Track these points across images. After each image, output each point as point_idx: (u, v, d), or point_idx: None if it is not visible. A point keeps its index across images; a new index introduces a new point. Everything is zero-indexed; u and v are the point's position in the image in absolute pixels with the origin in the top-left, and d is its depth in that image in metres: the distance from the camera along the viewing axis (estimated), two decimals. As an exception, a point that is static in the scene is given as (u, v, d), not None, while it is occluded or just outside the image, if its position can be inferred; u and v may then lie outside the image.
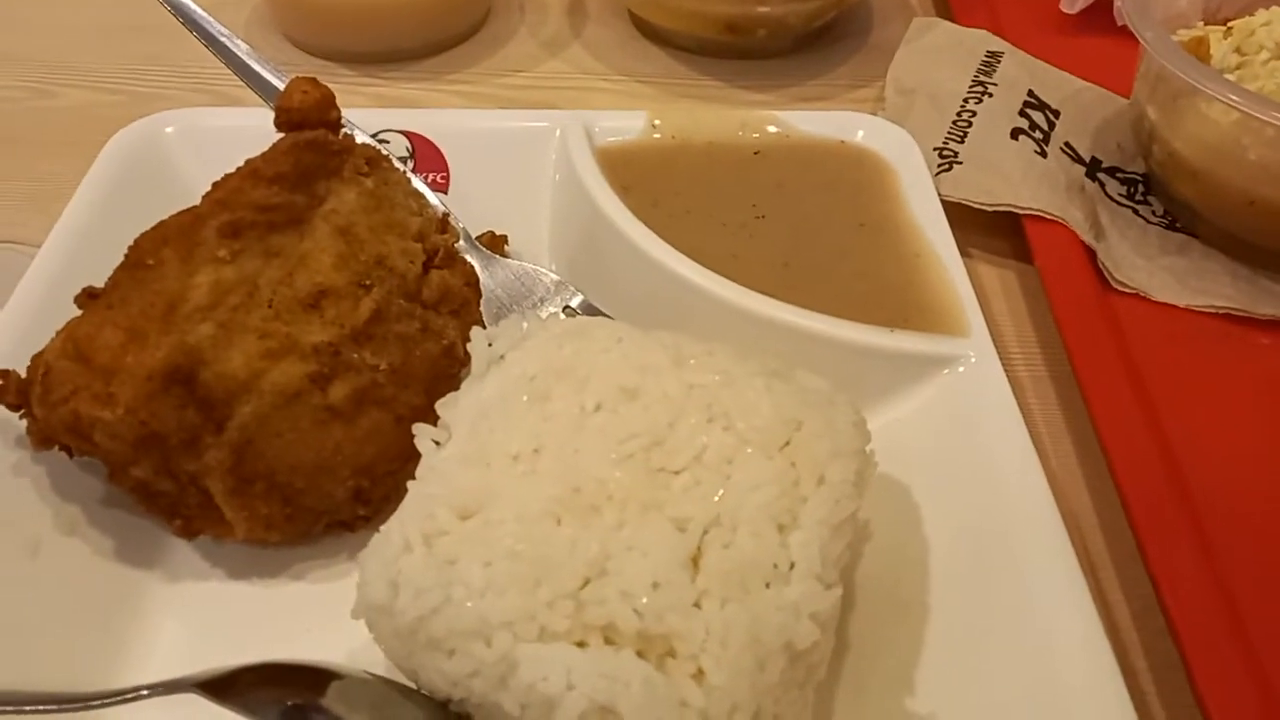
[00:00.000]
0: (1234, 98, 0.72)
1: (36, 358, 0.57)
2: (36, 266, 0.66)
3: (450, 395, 0.56)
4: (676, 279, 0.68)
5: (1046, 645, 0.52)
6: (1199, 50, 0.85)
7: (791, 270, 0.70)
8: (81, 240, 0.69)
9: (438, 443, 0.54)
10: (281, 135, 0.64)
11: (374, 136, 0.80)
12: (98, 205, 0.71)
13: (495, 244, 0.76)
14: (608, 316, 0.70)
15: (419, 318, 0.62)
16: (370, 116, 0.82)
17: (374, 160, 0.66)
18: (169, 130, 0.78)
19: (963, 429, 0.60)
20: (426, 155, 0.81)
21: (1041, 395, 0.73)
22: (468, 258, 0.70)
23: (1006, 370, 0.64)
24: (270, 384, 0.56)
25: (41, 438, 0.57)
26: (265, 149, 0.63)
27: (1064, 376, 0.74)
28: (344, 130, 0.67)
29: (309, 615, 0.57)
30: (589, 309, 0.72)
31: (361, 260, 0.60)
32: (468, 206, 0.77)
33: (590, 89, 1.02)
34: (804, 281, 0.67)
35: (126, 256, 0.60)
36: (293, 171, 0.61)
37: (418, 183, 0.74)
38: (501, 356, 0.56)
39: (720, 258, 0.69)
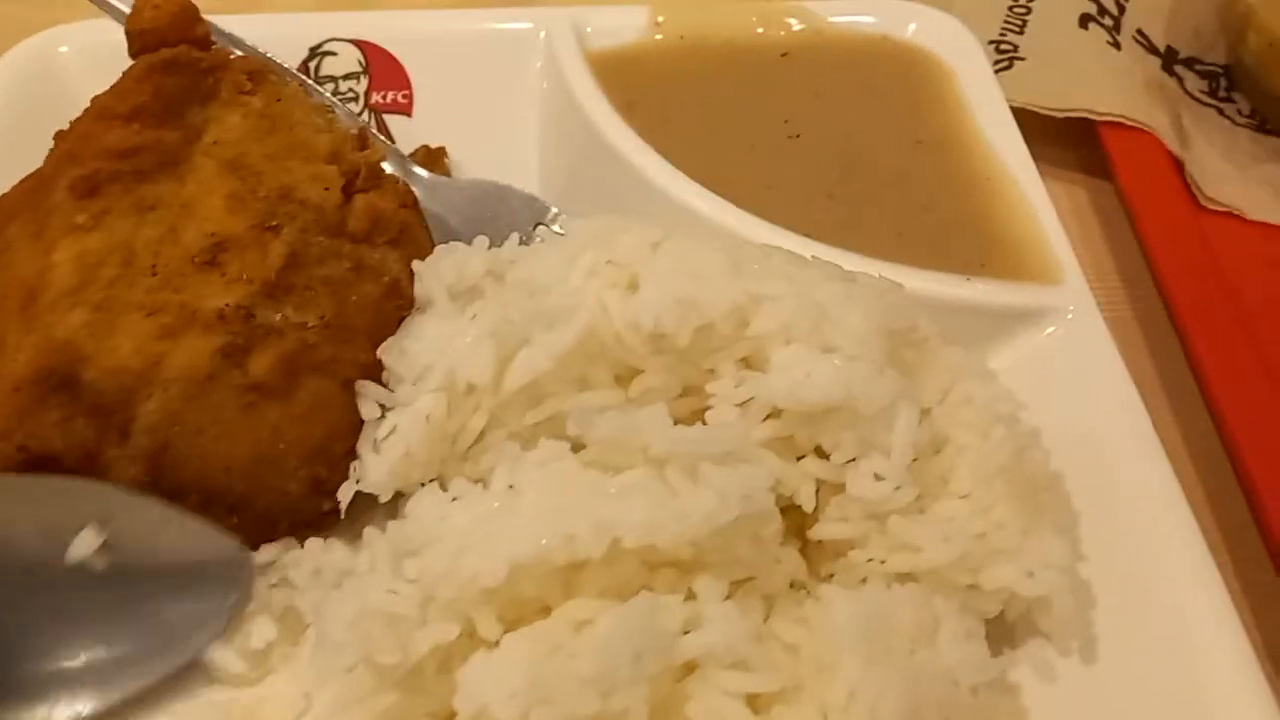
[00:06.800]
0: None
1: None
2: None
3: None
4: (700, 220, 0.56)
5: (1182, 647, 0.44)
6: (1305, -86, 0.71)
7: (838, 202, 0.58)
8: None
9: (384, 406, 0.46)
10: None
11: (317, 49, 0.66)
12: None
13: (434, 160, 0.63)
14: None
15: (348, 255, 0.49)
16: (309, 23, 0.69)
17: (257, 74, 0.52)
18: (63, 50, 0.63)
19: (1063, 400, 0.50)
20: (384, 69, 0.67)
21: (1129, 340, 0.62)
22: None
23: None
24: (174, 369, 0.44)
25: None
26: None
27: (1150, 315, 0.64)
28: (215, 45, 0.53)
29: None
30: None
31: (261, 197, 0.48)
32: (436, 132, 0.65)
33: (573, -23, 0.87)
34: (855, 217, 0.55)
35: None
36: (154, 102, 0.49)
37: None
38: None
39: (752, 189, 0.58)
